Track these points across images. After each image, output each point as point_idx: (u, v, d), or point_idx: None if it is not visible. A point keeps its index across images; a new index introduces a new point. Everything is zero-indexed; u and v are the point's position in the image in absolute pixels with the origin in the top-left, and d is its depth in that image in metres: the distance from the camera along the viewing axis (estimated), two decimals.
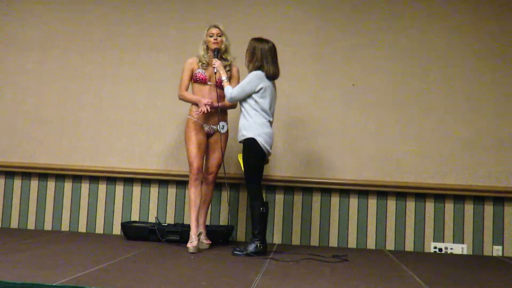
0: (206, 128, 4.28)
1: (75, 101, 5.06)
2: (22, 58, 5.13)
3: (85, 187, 5.01)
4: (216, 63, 4.19)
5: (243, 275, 3.24)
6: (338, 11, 4.93)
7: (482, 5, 4.84)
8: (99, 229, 4.97)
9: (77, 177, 5.01)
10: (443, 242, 4.73)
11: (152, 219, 4.87)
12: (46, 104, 5.08)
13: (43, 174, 5.04)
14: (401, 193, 4.78)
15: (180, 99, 4.34)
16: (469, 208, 4.73)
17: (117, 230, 4.93)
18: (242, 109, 4.14)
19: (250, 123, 4.06)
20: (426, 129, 4.80)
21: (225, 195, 4.83)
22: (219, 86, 4.25)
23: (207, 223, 4.56)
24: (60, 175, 5.02)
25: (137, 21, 5.05)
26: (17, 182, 5.08)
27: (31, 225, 5.03)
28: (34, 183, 5.05)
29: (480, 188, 4.69)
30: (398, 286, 3.16)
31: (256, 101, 4.07)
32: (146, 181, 4.96)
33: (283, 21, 4.95)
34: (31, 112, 5.08)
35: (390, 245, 4.75)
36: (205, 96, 4.25)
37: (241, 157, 4.13)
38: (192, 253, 4.00)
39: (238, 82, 4.25)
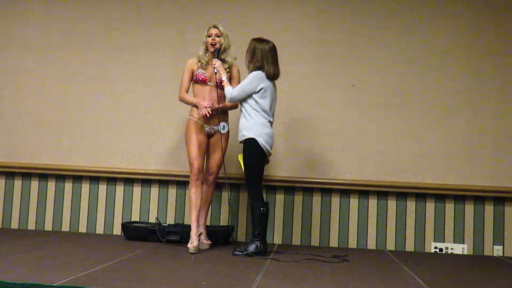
0: (207, 128, 4.28)
1: (75, 101, 5.06)
2: (23, 58, 5.14)
3: (85, 187, 5.01)
4: (216, 63, 4.19)
5: (243, 276, 3.24)
6: (338, 11, 4.93)
7: (482, 5, 4.84)
8: (100, 230, 4.97)
9: (77, 177, 5.01)
10: (444, 242, 4.73)
11: (152, 219, 4.87)
12: (46, 104, 5.08)
13: (43, 175, 5.04)
14: (402, 193, 4.77)
15: (180, 100, 4.35)
16: (469, 208, 4.73)
17: (117, 230, 4.93)
18: (243, 109, 4.14)
19: (251, 124, 4.06)
20: (426, 129, 4.79)
21: (225, 195, 4.82)
22: (220, 86, 4.25)
23: (208, 223, 4.56)
24: (60, 176, 5.02)
25: (137, 21, 5.05)
26: (18, 183, 5.08)
27: (31, 226, 5.03)
28: (34, 184, 5.05)
29: (481, 188, 4.68)
30: (398, 286, 3.16)
31: (256, 102, 4.07)
32: (146, 181, 4.96)
33: (283, 21, 4.95)
34: (31, 112, 5.08)
35: (390, 245, 4.75)
36: (206, 96, 4.24)
37: (242, 157, 4.13)
38: (193, 253, 4.00)
39: (239, 82, 4.25)
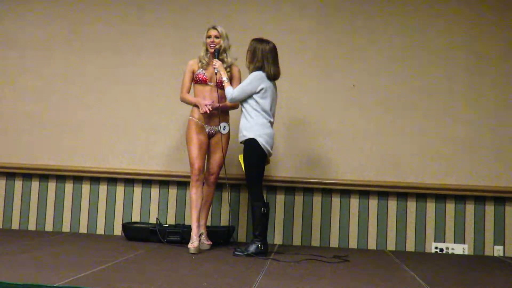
0: (207, 129, 4.28)
1: (75, 102, 5.06)
2: (23, 58, 5.14)
3: (86, 188, 5.01)
4: (216, 63, 4.20)
5: (244, 276, 3.24)
6: (338, 11, 4.93)
7: (482, 5, 4.84)
8: (100, 230, 4.97)
9: (78, 178, 5.01)
10: (444, 242, 4.73)
11: (153, 219, 4.87)
12: (46, 104, 5.08)
13: (44, 175, 5.04)
14: (402, 193, 4.77)
15: (181, 101, 4.36)
16: (470, 208, 4.73)
17: (118, 231, 4.93)
18: (243, 109, 4.14)
19: (251, 124, 4.06)
20: (427, 129, 4.79)
21: (226, 195, 4.82)
22: (220, 86, 4.25)
23: (208, 223, 4.56)
24: (60, 176, 5.02)
25: (137, 22, 5.05)
26: (18, 183, 5.08)
27: (32, 226, 5.03)
28: (35, 184, 5.05)
29: (481, 188, 4.68)
30: (399, 286, 3.16)
31: (257, 102, 4.07)
32: (147, 181, 4.96)
33: (283, 21, 4.95)
34: (32, 112, 5.08)
35: (391, 246, 4.75)
36: (206, 97, 4.25)
37: (242, 157, 4.13)
38: (193, 253, 4.00)
39: (240, 82, 4.25)
